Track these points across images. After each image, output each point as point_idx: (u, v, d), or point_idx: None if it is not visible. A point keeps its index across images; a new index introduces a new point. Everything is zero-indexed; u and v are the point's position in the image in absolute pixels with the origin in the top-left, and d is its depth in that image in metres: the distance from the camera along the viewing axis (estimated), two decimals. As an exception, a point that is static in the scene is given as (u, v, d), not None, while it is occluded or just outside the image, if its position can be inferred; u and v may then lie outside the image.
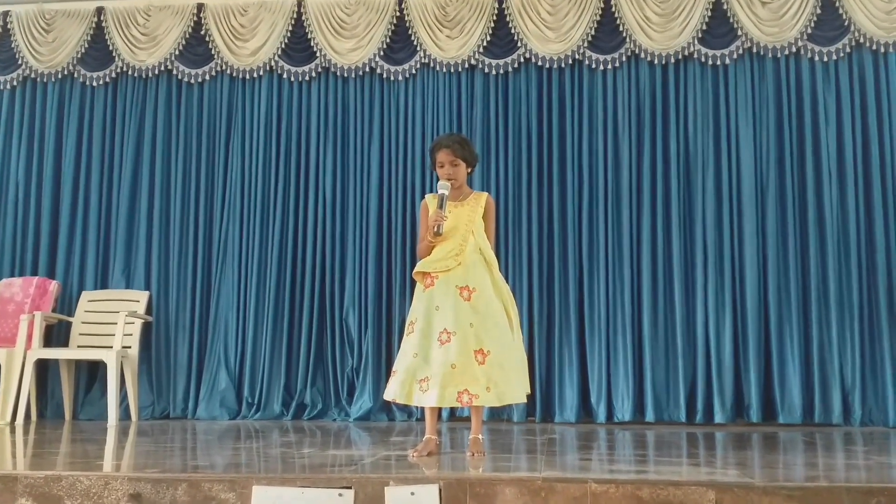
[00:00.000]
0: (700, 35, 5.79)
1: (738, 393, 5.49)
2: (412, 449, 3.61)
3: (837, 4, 5.72)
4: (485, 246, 3.69)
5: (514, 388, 3.56)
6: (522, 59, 5.95)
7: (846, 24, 5.69)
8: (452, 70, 5.99)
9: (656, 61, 5.83)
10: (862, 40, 5.68)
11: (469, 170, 3.77)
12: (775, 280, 5.55)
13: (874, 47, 5.68)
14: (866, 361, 5.44)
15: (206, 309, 6.02)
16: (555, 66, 5.90)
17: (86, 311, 5.96)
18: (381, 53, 6.06)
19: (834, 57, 5.71)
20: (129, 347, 5.72)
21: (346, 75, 6.11)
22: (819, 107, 5.70)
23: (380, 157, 6.00)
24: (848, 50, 5.70)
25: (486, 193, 3.81)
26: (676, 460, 3.47)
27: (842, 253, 5.55)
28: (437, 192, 3.64)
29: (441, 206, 3.58)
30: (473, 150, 3.80)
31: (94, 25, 6.34)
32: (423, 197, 4.09)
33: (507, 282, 5.42)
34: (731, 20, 5.78)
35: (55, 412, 5.87)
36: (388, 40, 6.06)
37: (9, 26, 6.40)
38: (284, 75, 6.17)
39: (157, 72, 6.26)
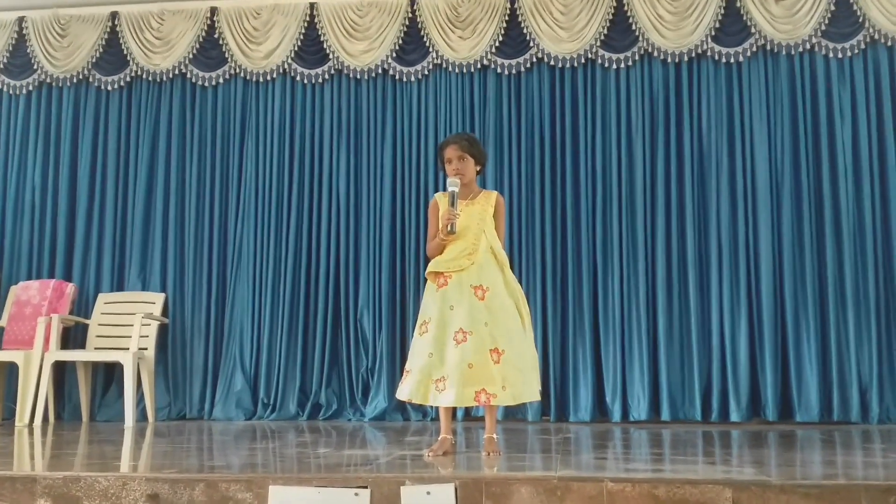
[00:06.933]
0: (713, 33, 5.77)
1: (754, 391, 5.47)
2: (427, 448, 3.61)
3: (851, 1, 5.68)
4: (496, 245, 3.67)
5: (529, 387, 3.56)
6: (535, 59, 5.94)
7: (860, 20, 5.66)
8: (465, 70, 5.99)
9: (669, 60, 5.81)
10: (877, 36, 5.65)
11: (478, 168, 3.76)
12: (791, 277, 5.52)
13: (889, 43, 5.65)
14: (884, 358, 5.40)
15: (222, 310, 6.05)
16: (567, 65, 5.90)
17: (102, 314, 6.00)
18: (394, 55, 6.07)
19: (849, 53, 5.68)
20: (146, 349, 5.76)
21: (358, 77, 6.12)
22: (834, 104, 5.67)
23: (393, 159, 6.01)
24: (863, 46, 5.67)
25: (495, 192, 3.79)
26: (692, 459, 3.46)
27: (858, 250, 5.52)
28: (447, 190, 3.63)
29: (452, 203, 3.57)
30: (482, 148, 3.78)
31: (108, 30, 6.38)
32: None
33: (521, 282, 5.44)
34: (745, 18, 5.76)
35: (72, 414, 5.92)
36: (400, 42, 6.08)
37: (24, 32, 6.45)
38: (297, 78, 6.19)
39: (171, 75, 6.30)
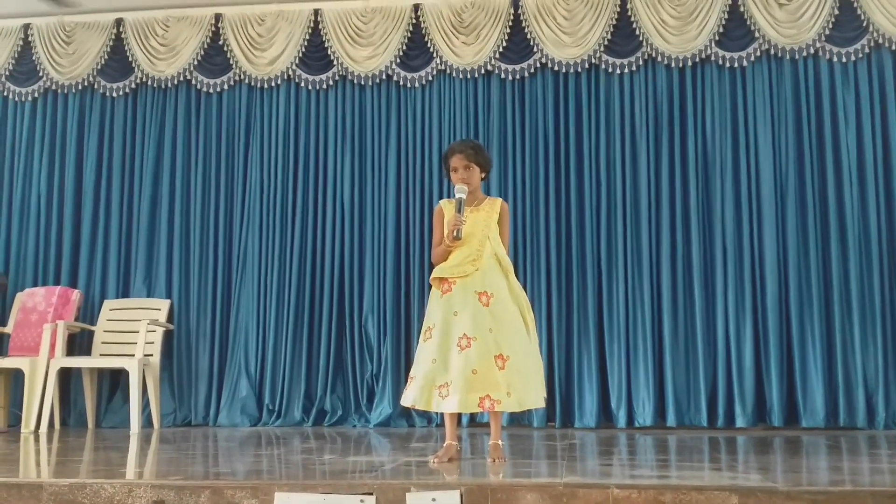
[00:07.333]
0: (717, 38, 5.77)
1: (759, 397, 5.45)
2: (433, 455, 3.61)
3: (856, 5, 5.68)
4: (500, 251, 3.68)
5: (534, 393, 3.56)
6: (539, 64, 5.95)
7: (865, 24, 5.65)
8: (469, 76, 6.00)
9: (673, 64, 5.81)
10: (881, 41, 5.64)
11: (483, 175, 3.77)
12: (796, 282, 5.51)
13: (893, 47, 5.64)
14: (889, 363, 5.39)
15: (227, 316, 6.06)
16: (571, 70, 5.90)
17: (108, 320, 6.01)
18: (398, 61, 6.08)
19: (853, 58, 5.67)
20: (151, 355, 5.76)
21: (363, 83, 6.13)
22: (838, 108, 5.66)
23: (397, 164, 6.02)
24: (867, 50, 5.67)
25: (500, 199, 3.81)
26: (698, 465, 3.46)
27: (863, 254, 5.51)
28: (453, 197, 3.65)
29: (459, 209, 3.58)
30: (487, 156, 3.80)
31: (113, 37, 6.40)
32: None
33: (526, 288, 5.44)
34: (748, 22, 5.76)
35: (78, 420, 5.92)
36: (404, 47, 6.08)
37: (30, 39, 6.47)
38: (302, 84, 6.20)
39: (176, 82, 6.32)
